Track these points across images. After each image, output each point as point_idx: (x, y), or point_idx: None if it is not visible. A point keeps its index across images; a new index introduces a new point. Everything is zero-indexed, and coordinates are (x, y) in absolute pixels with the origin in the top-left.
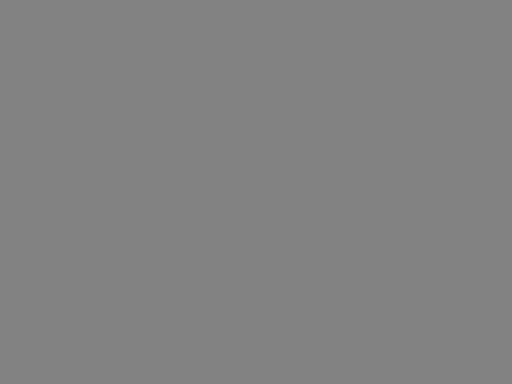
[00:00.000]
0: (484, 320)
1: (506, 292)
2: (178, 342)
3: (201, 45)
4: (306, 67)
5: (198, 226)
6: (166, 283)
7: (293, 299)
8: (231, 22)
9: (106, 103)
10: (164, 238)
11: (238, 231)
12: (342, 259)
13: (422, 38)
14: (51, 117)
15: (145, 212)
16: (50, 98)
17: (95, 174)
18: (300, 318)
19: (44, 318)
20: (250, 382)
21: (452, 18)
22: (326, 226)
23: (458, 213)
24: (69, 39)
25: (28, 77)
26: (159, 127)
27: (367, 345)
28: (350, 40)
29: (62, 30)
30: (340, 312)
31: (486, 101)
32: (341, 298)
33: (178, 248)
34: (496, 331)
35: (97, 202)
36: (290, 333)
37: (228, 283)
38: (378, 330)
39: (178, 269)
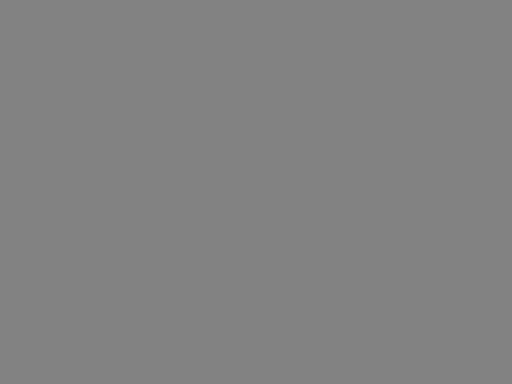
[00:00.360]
0: (484, 320)
1: (506, 292)
2: (178, 342)
3: (201, 45)
4: (306, 67)
5: (197, 227)
6: (166, 284)
7: (293, 300)
8: (231, 22)
9: (106, 103)
10: (164, 239)
11: (237, 232)
12: (342, 260)
13: (422, 38)
14: (51, 117)
15: (145, 212)
16: (50, 98)
17: (95, 175)
18: (300, 319)
19: (44, 318)
20: (250, 382)
21: (452, 18)
22: (326, 226)
23: (457, 213)
24: (69, 39)
25: (28, 77)
26: (159, 127)
27: (367, 345)
28: (350, 40)
29: (62, 30)
30: (340, 312)
31: (486, 101)
32: (341, 298)
33: (178, 249)
34: (496, 331)
35: (97, 202)
36: (290, 333)
37: (228, 284)
38: (377, 330)
39: (178, 270)
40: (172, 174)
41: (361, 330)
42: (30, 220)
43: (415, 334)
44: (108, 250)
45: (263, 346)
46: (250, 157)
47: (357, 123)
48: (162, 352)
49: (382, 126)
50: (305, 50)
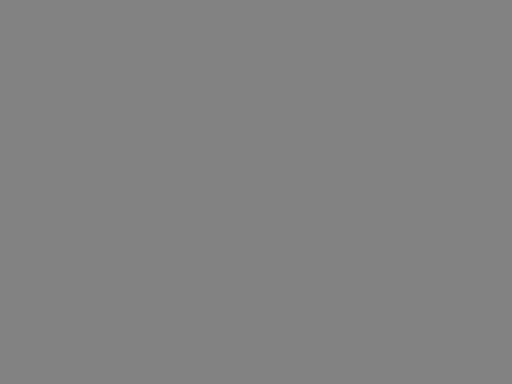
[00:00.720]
0: (484, 320)
1: (506, 292)
2: (178, 342)
3: (201, 45)
4: (306, 67)
5: (197, 227)
6: (166, 284)
7: (293, 300)
8: (231, 22)
9: (106, 103)
10: (164, 239)
11: (237, 232)
12: (342, 260)
13: (422, 38)
14: (51, 117)
15: (145, 213)
16: (50, 98)
17: (95, 175)
18: (300, 319)
19: (44, 318)
20: (250, 382)
21: (452, 18)
22: (326, 226)
23: (457, 213)
24: (69, 39)
25: (28, 77)
26: (159, 127)
27: (367, 345)
28: (350, 40)
29: (62, 30)
30: (340, 313)
31: (486, 101)
32: (340, 298)
33: (178, 249)
34: (496, 331)
35: (97, 202)
36: (290, 333)
37: (228, 284)
38: (377, 330)
39: (178, 270)
40: (172, 175)
41: (361, 330)
42: (30, 220)
43: (415, 335)
44: (108, 251)
45: (263, 346)
46: (249, 157)
47: (357, 123)
48: (162, 352)
49: (381, 126)
50: (305, 50)
